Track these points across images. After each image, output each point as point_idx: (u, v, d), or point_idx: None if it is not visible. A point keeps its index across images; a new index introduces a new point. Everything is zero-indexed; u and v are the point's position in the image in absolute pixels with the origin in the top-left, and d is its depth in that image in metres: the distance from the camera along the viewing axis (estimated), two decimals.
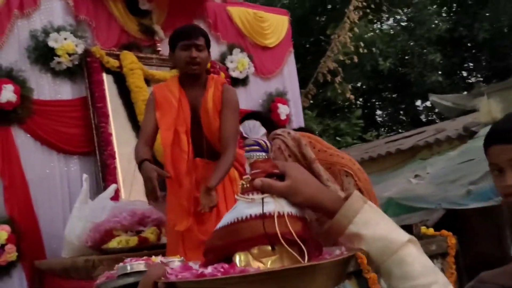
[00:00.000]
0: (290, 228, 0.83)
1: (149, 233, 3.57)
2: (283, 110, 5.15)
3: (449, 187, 5.75)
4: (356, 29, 7.43)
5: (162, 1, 4.81)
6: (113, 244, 3.47)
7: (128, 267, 1.54)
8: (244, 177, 0.91)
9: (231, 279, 0.77)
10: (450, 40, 13.68)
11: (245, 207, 0.87)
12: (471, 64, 14.63)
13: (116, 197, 4.03)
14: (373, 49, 8.93)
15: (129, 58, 4.46)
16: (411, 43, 13.04)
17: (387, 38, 12.66)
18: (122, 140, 4.41)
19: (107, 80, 4.45)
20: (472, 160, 6.20)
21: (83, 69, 4.32)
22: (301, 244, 0.83)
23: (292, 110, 5.30)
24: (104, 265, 3.27)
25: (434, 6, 13.18)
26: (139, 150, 2.78)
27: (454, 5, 14.16)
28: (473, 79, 14.64)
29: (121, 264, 1.57)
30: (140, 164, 2.68)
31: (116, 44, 4.58)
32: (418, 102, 14.59)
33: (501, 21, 13.07)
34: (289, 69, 5.50)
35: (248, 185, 0.89)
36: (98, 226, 3.56)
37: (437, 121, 12.68)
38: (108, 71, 4.45)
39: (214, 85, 2.86)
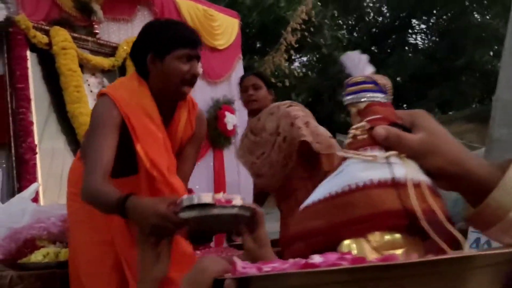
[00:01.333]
0: (435, 205, 0.59)
1: None
2: (230, 120, 4.61)
3: None
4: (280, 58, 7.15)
5: None
6: (37, 257, 2.61)
7: (195, 199, 1.34)
8: (357, 124, 0.65)
9: (374, 269, 0.48)
10: None
11: (360, 169, 0.62)
12: None
13: (34, 200, 3.18)
14: (286, 81, 8.72)
15: (61, 35, 3.69)
16: (324, 82, 13.26)
17: (301, 74, 12.77)
18: (46, 132, 3.59)
19: (32, 58, 3.64)
20: None
21: (3, 40, 3.49)
22: (453, 230, 0.58)
23: (238, 121, 4.77)
24: (24, 283, 2.47)
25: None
26: (104, 187, 1.70)
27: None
28: None
29: (185, 196, 1.39)
30: (122, 202, 1.58)
31: (45, 18, 3.79)
32: None
33: (406, 69, 13.79)
34: (237, 76, 5.00)
35: (363, 136, 0.63)
36: (14, 233, 2.69)
37: None
38: (34, 47, 3.65)
39: (188, 107, 2.01)
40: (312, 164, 2.77)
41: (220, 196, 1.33)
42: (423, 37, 15.17)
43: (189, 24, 4.53)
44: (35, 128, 3.47)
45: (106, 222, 1.85)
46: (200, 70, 4.55)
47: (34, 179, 3.29)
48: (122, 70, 4.13)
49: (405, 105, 14.90)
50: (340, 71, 12.97)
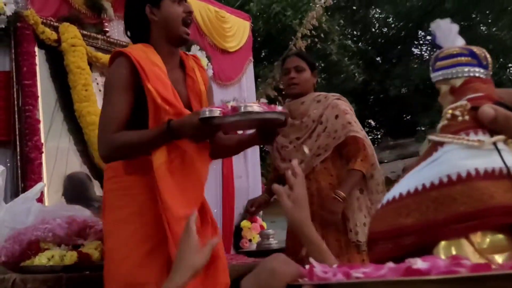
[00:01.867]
0: None
1: (92, 248, 2.64)
2: None
3: None
4: None
5: None
6: (41, 260, 2.49)
7: (256, 107, 1.73)
8: (455, 104, 0.56)
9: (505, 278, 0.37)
10: (363, 93, 14.03)
11: (462, 157, 0.52)
12: (380, 118, 15.12)
13: (38, 200, 3.06)
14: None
15: (71, 32, 3.58)
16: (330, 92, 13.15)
17: None
18: (52, 131, 3.47)
19: (40, 55, 3.53)
20: None
21: (10, 36, 3.38)
22: None
23: None
24: (28, 286, 2.35)
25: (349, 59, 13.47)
26: (129, 132, 1.86)
27: (368, 60, 14.63)
28: (379, 134, 15.11)
29: (242, 104, 1.73)
30: (168, 126, 1.78)
31: (54, 14, 3.69)
32: None
33: (411, 80, 13.68)
34: (248, 79, 4.90)
35: (464, 117, 0.54)
36: (18, 234, 2.57)
37: None
38: (42, 44, 3.55)
39: (197, 65, 2.15)
40: (342, 162, 2.66)
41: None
42: (429, 48, 15.10)
43: (201, 25, 4.44)
44: (41, 126, 3.35)
45: (156, 221, 1.85)
46: (210, 72, 4.50)
47: (39, 179, 3.17)
48: None
49: (409, 116, 14.79)
50: (344, 80, 12.92)
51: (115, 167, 1.97)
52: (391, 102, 14.06)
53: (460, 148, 0.54)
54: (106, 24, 3.93)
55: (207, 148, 1.99)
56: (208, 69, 4.33)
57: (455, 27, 0.60)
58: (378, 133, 15.23)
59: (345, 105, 2.75)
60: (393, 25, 15.07)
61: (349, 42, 12.78)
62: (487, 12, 13.26)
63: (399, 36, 14.66)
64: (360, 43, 13.75)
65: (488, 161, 0.52)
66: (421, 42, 15.26)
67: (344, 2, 10.21)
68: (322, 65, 13.59)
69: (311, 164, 2.63)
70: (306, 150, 2.20)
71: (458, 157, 0.54)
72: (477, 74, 0.57)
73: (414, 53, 15.28)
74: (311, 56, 2.93)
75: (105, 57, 3.80)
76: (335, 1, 7.07)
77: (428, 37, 15.06)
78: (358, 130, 2.66)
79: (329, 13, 11.45)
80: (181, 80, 2.02)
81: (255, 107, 1.81)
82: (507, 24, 12.87)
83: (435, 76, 0.61)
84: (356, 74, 12.95)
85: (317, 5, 6.97)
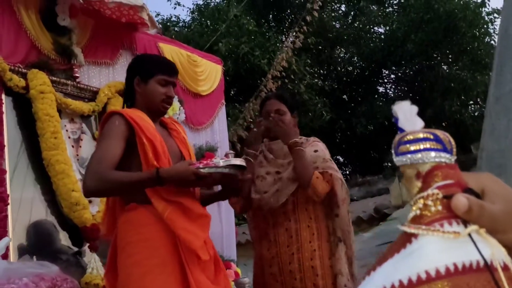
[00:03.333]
0: None
1: None
2: None
3: None
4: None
5: (85, 21, 3.98)
6: None
7: (221, 162, 2.07)
8: (426, 192, 0.53)
9: None
10: (330, 131, 14.19)
11: (439, 249, 0.50)
12: (347, 155, 15.28)
13: (3, 256, 2.89)
14: None
15: (40, 79, 3.49)
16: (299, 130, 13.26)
17: None
18: (18, 182, 3.32)
19: (7, 102, 3.41)
20: (391, 242, 5.96)
21: None
22: None
23: None
24: None
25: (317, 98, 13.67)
26: (120, 172, 2.06)
27: (334, 99, 14.87)
28: (347, 170, 15.24)
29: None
30: (157, 173, 2.02)
31: (23, 61, 3.59)
32: None
33: (377, 118, 13.94)
34: (220, 122, 4.86)
35: (437, 206, 0.52)
36: None
37: None
38: (9, 91, 3.43)
39: (179, 127, 2.45)
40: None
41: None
42: (393, 86, 15.49)
43: None
44: (7, 177, 3.21)
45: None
46: (182, 116, 4.50)
47: (4, 233, 3.01)
48: (102, 116, 3.93)
49: (376, 153, 15.01)
50: (312, 119, 13.07)
51: (130, 220, 2.15)
52: (358, 140, 14.28)
53: (435, 241, 0.52)
54: (76, 69, 3.85)
55: (192, 192, 2.24)
56: (180, 113, 4.28)
57: (414, 109, 0.59)
58: (346, 169, 15.38)
59: (324, 147, 2.77)
60: (357, 65, 15.44)
61: (317, 81, 12.99)
62: (448, 52, 13.74)
63: (364, 75, 15.01)
64: (326, 82, 13.98)
65: (464, 253, 0.51)
66: (385, 80, 15.65)
67: (311, 43, 10.38)
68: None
69: (288, 191, 2.60)
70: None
71: (435, 250, 0.52)
72: (443, 160, 0.56)
73: (379, 91, 15.63)
74: (291, 97, 2.93)
75: (74, 104, 3.71)
76: (302, 41, 7.17)
77: (392, 76, 15.47)
78: (337, 170, 2.66)
79: (295, 53, 11.68)
80: (166, 134, 2.27)
81: (238, 161, 2.12)
82: (467, 64, 13.35)
83: (399, 160, 0.57)
84: (324, 113, 13.11)
85: (286, 47, 7.06)
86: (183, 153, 2.28)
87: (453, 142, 0.57)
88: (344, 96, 15.37)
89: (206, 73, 4.75)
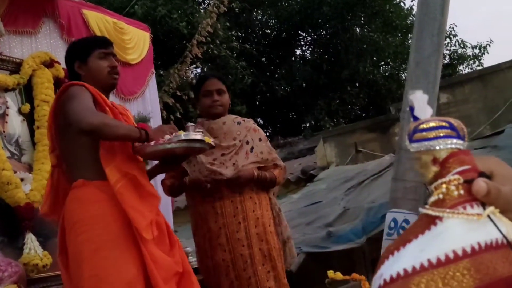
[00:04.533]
0: None
1: None
2: None
3: (306, 230, 5.57)
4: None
5: None
6: None
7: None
8: (448, 177, 0.58)
9: None
10: (251, 94, 14.29)
11: (464, 231, 0.56)
12: (268, 117, 15.50)
13: None
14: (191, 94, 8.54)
15: None
16: None
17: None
18: None
19: None
20: (319, 202, 6.21)
21: None
22: None
23: None
24: None
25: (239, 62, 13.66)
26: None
27: (254, 62, 14.92)
28: (268, 131, 15.49)
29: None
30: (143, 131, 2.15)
31: None
32: None
33: (296, 80, 14.20)
34: (151, 92, 4.75)
35: (460, 191, 0.57)
36: None
37: None
38: None
39: (130, 114, 2.56)
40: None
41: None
42: (310, 49, 15.76)
43: None
44: None
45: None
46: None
47: None
48: (28, 89, 3.71)
49: (296, 116, 15.34)
50: (233, 83, 13.07)
51: (78, 198, 2.14)
52: (278, 102, 14.50)
53: (460, 223, 0.57)
54: None
55: (144, 168, 2.32)
56: None
57: (426, 97, 0.63)
58: (267, 131, 15.61)
59: (262, 131, 3.05)
60: (275, 27, 15.52)
61: (236, 44, 12.93)
62: (361, 14, 14.15)
63: (281, 38, 15.14)
64: (245, 45, 13.96)
65: (486, 233, 0.56)
66: (302, 43, 15.89)
67: (235, 7, 10.28)
68: (212, 67, 13.64)
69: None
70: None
71: (461, 231, 0.56)
72: (458, 146, 0.60)
73: (297, 53, 15.86)
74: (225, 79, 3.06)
75: None
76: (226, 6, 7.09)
77: (309, 38, 15.72)
78: (279, 158, 2.98)
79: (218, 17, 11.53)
80: (117, 114, 2.29)
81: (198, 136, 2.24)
82: (380, 26, 13.85)
83: (416, 146, 0.61)
84: (245, 76, 13.14)
85: (209, 11, 6.96)
86: None
87: (465, 129, 0.63)
88: (263, 59, 15.45)
89: (134, 41, 4.60)
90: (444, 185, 0.58)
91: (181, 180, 2.83)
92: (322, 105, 13.94)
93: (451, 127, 0.60)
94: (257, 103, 15.07)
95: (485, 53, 14.60)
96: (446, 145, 0.59)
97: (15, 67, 3.67)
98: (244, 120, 2.93)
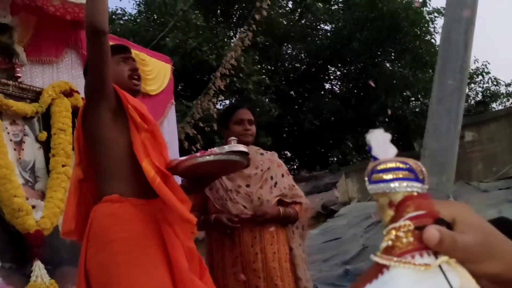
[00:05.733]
0: None
1: None
2: None
3: (323, 266, 5.45)
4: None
5: (28, 18, 3.81)
6: None
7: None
8: (398, 223, 0.54)
9: None
10: (278, 126, 14.31)
11: (412, 282, 0.52)
12: (294, 150, 15.46)
13: None
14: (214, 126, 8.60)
15: None
16: None
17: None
18: None
19: None
20: (338, 239, 6.08)
21: None
22: None
23: None
24: None
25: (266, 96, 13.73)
26: None
27: (282, 95, 14.99)
28: (295, 164, 15.42)
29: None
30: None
31: None
32: None
33: (324, 113, 14.17)
34: (170, 122, 4.80)
35: (409, 238, 0.53)
36: None
37: None
38: None
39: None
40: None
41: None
42: (339, 83, 15.77)
43: None
44: None
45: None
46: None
47: None
48: (46, 117, 3.78)
49: (323, 149, 15.25)
50: (260, 115, 13.12)
51: (115, 214, 2.01)
52: (305, 135, 14.47)
53: (406, 273, 0.53)
54: (18, 69, 3.69)
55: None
56: None
57: (388, 136, 0.60)
58: (293, 163, 15.54)
59: (285, 166, 3.02)
60: (304, 61, 15.62)
61: (264, 77, 13.04)
62: (391, 50, 14.13)
63: (311, 72, 15.21)
64: (274, 79, 14.07)
65: (434, 285, 0.52)
66: (331, 77, 15.92)
67: (260, 41, 10.41)
68: (239, 100, 13.77)
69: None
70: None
71: (408, 283, 0.53)
72: (415, 190, 0.56)
73: (326, 87, 15.88)
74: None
75: (16, 105, 3.55)
76: (250, 39, 7.17)
77: (338, 73, 15.74)
78: (302, 195, 2.86)
79: (244, 50, 11.70)
80: None
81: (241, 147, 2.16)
82: (409, 62, 13.77)
83: (372, 188, 0.58)
84: (272, 109, 13.19)
85: (235, 45, 7.05)
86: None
87: (425, 172, 0.58)
88: (292, 92, 15.53)
89: (155, 72, 4.67)
90: (393, 231, 0.54)
91: (202, 210, 2.77)
92: (349, 140, 13.84)
93: (409, 169, 0.56)
94: (284, 135, 15.07)
95: None
96: (401, 188, 0.56)
97: (35, 95, 3.76)
98: (267, 152, 2.92)
